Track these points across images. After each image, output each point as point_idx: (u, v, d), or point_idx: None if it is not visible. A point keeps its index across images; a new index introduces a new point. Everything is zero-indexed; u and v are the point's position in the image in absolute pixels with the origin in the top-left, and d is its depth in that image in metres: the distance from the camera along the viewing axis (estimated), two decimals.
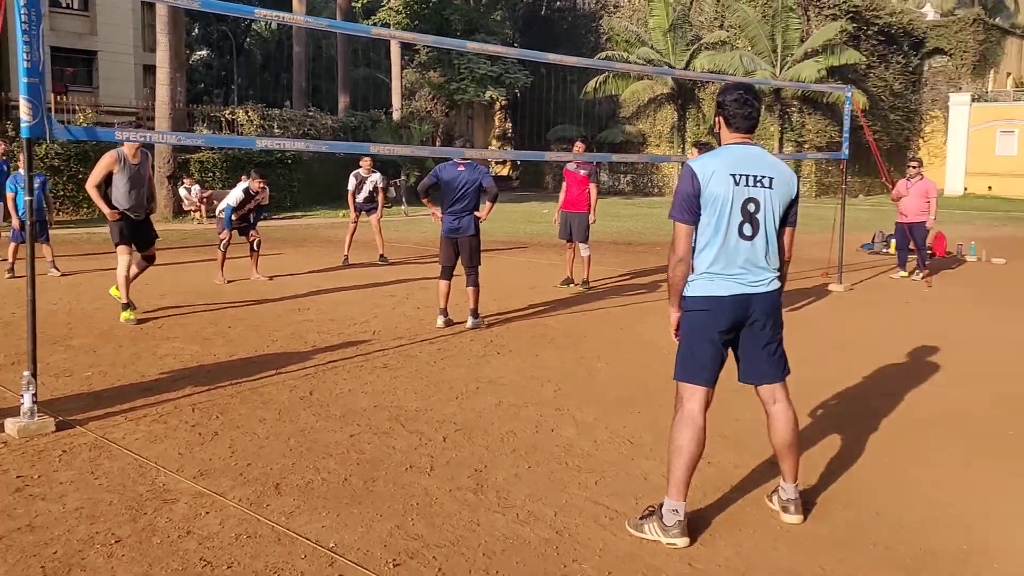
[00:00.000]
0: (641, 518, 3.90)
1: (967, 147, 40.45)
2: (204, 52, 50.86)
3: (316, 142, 6.43)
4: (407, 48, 35.96)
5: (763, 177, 3.79)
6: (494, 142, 46.49)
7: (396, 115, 33.47)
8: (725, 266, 3.78)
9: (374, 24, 32.72)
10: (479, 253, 8.52)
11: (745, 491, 4.39)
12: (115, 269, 8.54)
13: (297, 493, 4.27)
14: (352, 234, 13.75)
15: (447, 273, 8.49)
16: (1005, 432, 5.46)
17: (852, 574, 3.54)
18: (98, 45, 35.27)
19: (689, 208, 3.78)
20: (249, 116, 27.10)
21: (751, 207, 3.76)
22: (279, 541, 3.73)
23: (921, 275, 12.45)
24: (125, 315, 8.42)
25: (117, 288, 8.62)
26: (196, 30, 48.39)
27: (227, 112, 27.63)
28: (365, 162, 13.79)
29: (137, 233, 8.56)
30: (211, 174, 23.80)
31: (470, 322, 8.43)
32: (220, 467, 4.61)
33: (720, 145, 3.96)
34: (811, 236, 17.85)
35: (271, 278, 11.46)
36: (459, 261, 8.45)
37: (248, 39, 50.32)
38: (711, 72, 32.86)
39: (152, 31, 25.83)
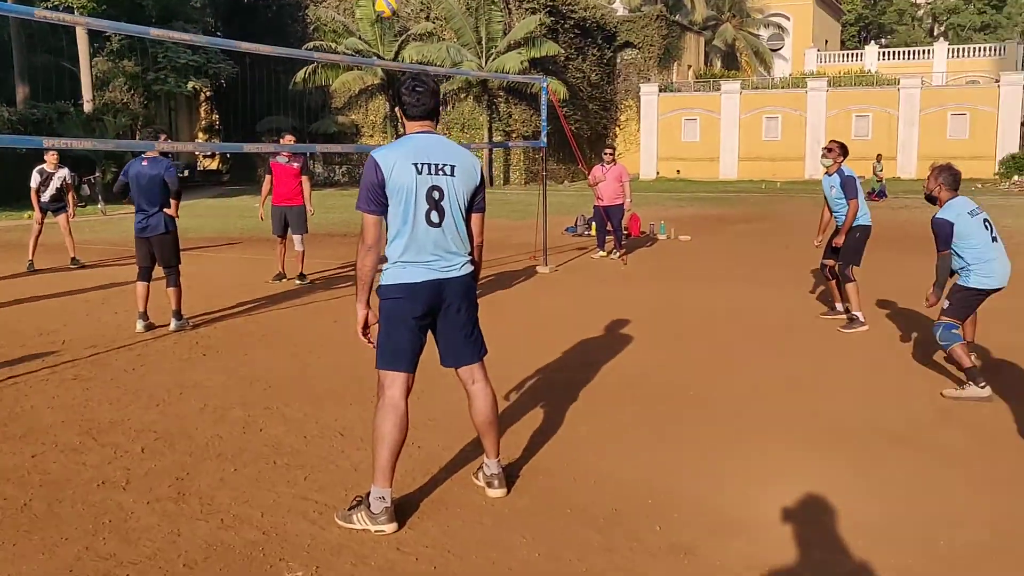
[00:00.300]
0: (349, 509, 3.89)
1: (657, 134, 43.99)
2: None
3: None
4: (97, 35, 33.29)
5: (445, 165, 3.86)
6: (200, 135, 44.34)
7: (88, 107, 30.90)
8: (416, 254, 3.84)
9: (55, 7, 29.95)
10: (176, 252, 8.10)
11: (453, 472, 4.50)
12: None
13: None
14: (37, 236, 12.54)
15: (145, 274, 8.00)
16: (687, 392, 5.99)
17: (549, 539, 3.74)
18: None
19: (375, 199, 3.79)
20: None
21: (435, 195, 3.82)
22: None
23: (618, 254, 13.37)
24: None
25: None
26: None
27: None
28: (50, 157, 12.62)
29: None
30: None
31: (173, 324, 7.99)
32: None
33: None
34: (520, 221, 18.66)
35: None
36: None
37: None
38: (420, 63, 33.29)
39: None
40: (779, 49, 58.88)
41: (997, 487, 4.30)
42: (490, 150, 37.80)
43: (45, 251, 12.80)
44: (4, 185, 24.46)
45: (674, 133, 43.74)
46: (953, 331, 5.95)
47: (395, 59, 35.10)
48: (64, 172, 12.76)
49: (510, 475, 4.36)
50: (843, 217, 8.07)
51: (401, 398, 3.89)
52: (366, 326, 3.99)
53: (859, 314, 7.96)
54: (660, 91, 44.16)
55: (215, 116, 44.60)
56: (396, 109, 4.04)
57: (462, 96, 38.23)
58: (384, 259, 3.91)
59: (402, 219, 3.81)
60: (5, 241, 16.42)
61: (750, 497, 4.18)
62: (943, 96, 39.48)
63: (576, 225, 17.66)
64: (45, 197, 12.53)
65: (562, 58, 39.43)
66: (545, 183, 12.52)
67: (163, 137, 8.49)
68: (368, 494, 3.84)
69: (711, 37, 54.28)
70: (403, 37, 37.34)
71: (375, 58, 33.72)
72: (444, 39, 37.50)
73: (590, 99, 43.00)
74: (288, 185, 10.68)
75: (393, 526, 3.78)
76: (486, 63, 36.50)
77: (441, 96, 33.41)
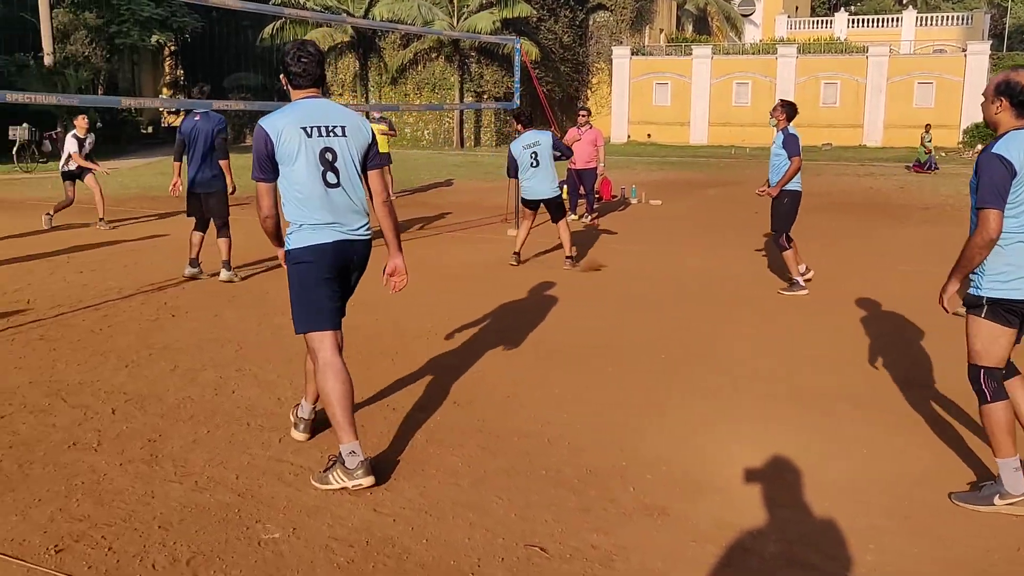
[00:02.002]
0: (325, 470, 3.89)
1: (629, 97, 43.84)
2: None
3: None
4: None
5: (335, 127, 3.91)
6: (164, 90, 43.52)
7: (48, 60, 30.15)
8: (320, 216, 3.88)
9: None
10: (227, 205, 8.47)
11: (428, 433, 4.50)
12: None
13: None
14: (67, 206, 12.22)
15: (202, 225, 8.35)
16: (658, 356, 6.03)
17: (525, 499, 3.76)
18: None
19: (266, 167, 3.84)
20: None
21: (329, 156, 3.87)
22: None
23: (590, 218, 13.36)
24: None
25: None
26: None
27: None
28: (80, 122, 12.23)
29: None
30: None
31: (223, 274, 8.30)
32: None
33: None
34: (492, 183, 18.56)
35: None
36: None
37: None
38: (389, 21, 32.83)
39: None
40: (750, 15, 58.71)
41: (952, 449, 4.38)
42: (462, 112, 37.49)
43: (12, 204, 12.53)
44: None
45: (645, 97, 43.59)
46: None
47: (365, 16, 34.59)
48: (92, 137, 12.50)
49: (488, 435, 4.39)
50: (781, 173, 8.18)
51: (334, 355, 3.92)
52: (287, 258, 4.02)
53: (799, 279, 8.12)
54: (632, 54, 43.90)
55: (180, 71, 43.76)
56: (281, 77, 4.02)
57: (433, 56, 37.78)
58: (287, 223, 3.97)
59: (299, 183, 3.85)
60: None
61: (719, 458, 4.23)
62: (910, 64, 39.63)
63: None
64: (72, 165, 12.17)
65: (534, 19, 39.04)
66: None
67: (206, 89, 8.84)
68: (340, 453, 3.85)
69: (683, 1, 53.99)
70: None
71: (345, 15, 33.17)
72: None
73: (562, 61, 42.68)
74: None
75: (371, 479, 3.79)
76: (458, 22, 36.09)
77: (412, 56, 32.27)
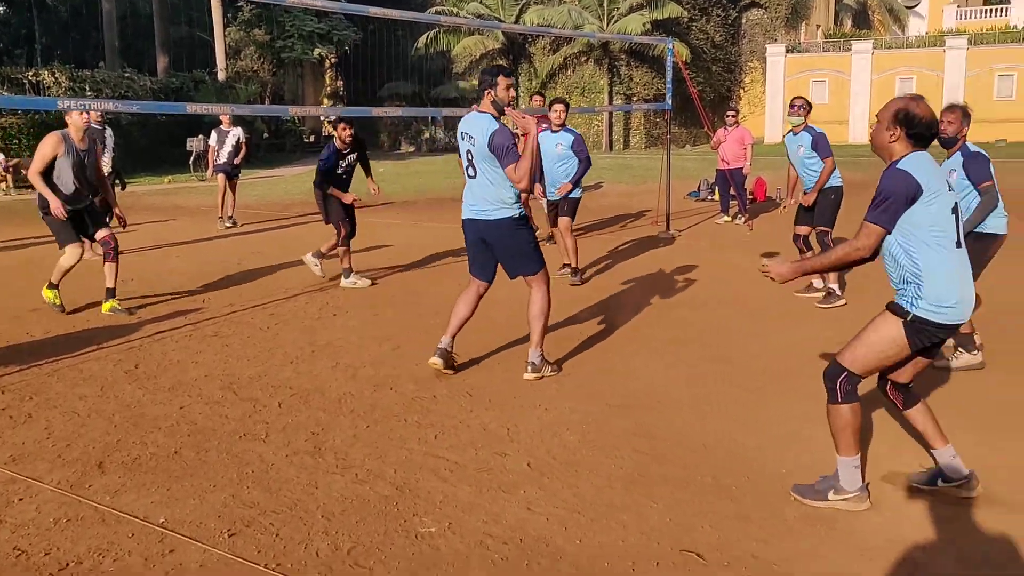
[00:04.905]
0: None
1: (784, 96, 42.47)
2: None
3: (126, 102, 6.04)
4: (230, 5, 34.37)
5: (469, 134, 5.23)
6: (325, 101, 45.35)
7: (221, 75, 32.00)
8: (465, 198, 5.37)
9: None
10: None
11: (585, 435, 4.49)
12: None
13: (123, 470, 4.06)
14: (223, 195, 12.98)
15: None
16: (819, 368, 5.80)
17: (680, 504, 3.69)
18: None
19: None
20: (56, 78, 25.27)
21: (469, 156, 5.25)
22: (103, 521, 3.54)
23: (743, 219, 13.05)
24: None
25: None
26: None
27: (30, 74, 25.64)
28: (225, 117, 12.89)
29: None
30: (16, 141, 22.07)
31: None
32: (35, 450, 4.32)
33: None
34: (641, 186, 18.41)
35: None
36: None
37: None
38: (540, 26, 33.07)
39: None
40: (915, 6, 55.89)
41: None
42: (610, 114, 37.34)
43: (189, 211, 13.33)
44: (144, 152, 25.55)
45: (801, 95, 42.16)
46: None
47: (516, 22, 34.98)
48: (238, 131, 13.06)
49: (643, 439, 4.34)
50: (816, 176, 7.72)
51: (468, 291, 5.48)
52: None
53: (835, 286, 7.51)
54: (787, 52, 42.57)
55: (339, 82, 45.53)
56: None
57: (582, 60, 37.80)
58: None
59: (462, 172, 5.38)
60: (147, 204, 17.18)
61: (895, 474, 4.02)
62: None
63: (699, 190, 17.32)
64: (222, 157, 12.95)
65: (685, 19, 38.47)
66: (669, 147, 12.29)
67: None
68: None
69: None
70: (524, 1, 37.15)
71: (496, 22, 33.67)
72: (565, 2, 37.12)
73: (713, 61, 41.86)
74: None
75: (439, 361, 5.37)
76: (607, 25, 36.00)
77: (562, 61, 32.65)
